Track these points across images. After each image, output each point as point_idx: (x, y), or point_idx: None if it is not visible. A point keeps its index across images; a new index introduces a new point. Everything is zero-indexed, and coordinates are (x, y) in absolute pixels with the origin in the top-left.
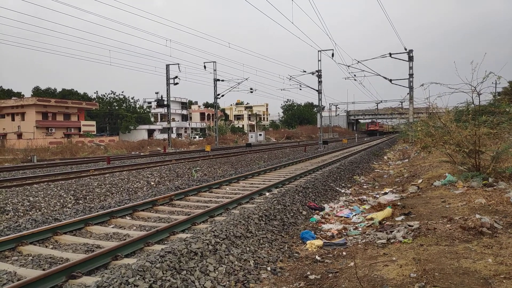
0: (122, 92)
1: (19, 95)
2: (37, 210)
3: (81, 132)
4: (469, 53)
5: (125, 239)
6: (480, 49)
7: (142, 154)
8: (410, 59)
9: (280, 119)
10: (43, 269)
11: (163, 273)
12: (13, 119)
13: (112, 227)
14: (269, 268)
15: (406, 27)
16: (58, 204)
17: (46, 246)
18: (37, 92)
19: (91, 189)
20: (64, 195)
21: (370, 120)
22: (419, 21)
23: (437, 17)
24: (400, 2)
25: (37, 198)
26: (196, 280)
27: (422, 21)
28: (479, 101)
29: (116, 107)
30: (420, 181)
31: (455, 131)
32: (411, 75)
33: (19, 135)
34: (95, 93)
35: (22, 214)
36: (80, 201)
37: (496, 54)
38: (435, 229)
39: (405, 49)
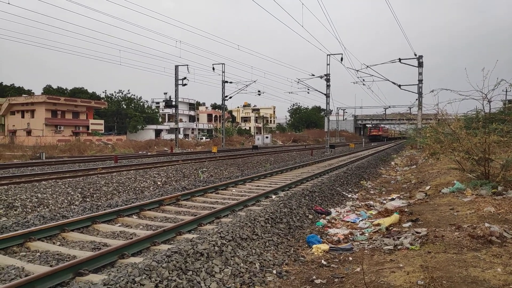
0: (128, 91)
1: (29, 93)
2: (45, 207)
3: (89, 131)
4: (474, 59)
5: (131, 238)
6: (484, 54)
7: (149, 153)
8: (420, 64)
9: (287, 122)
10: (51, 266)
11: (169, 273)
12: (22, 116)
13: (119, 226)
14: (274, 271)
15: (412, 31)
16: (66, 201)
17: (54, 243)
18: (48, 90)
19: (98, 187)
20: (72, 193)
21: (373, 125)
22: (424, 26)
23: (443, 22)
24: (405, 7)
25: (45, 195)
26: (202, 281)
27: (427, 26)
28: (490, 109)
29: (124, 107)
30: (428, 187)
31: (465, 138)
32: (420, 81)
33: (29, 132)
34: (103, 92)
35: (30, 210)
36: (88, 199)
37: (499, 60)
38: (443, 237)
39: (415, 55)
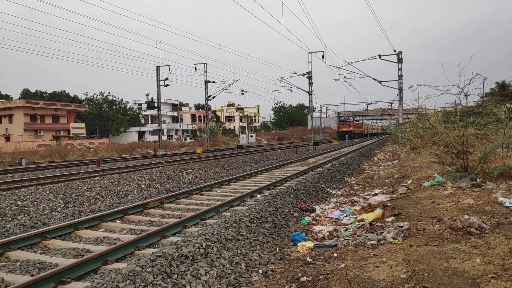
0: (109, 93)
1: (7, 97)
2: (26, 215)
3: (71, 135)
4: (465, 55)
5: (115, 243)
6: (474, 51)
7: (132, 156)
8: (399, 60)
9: (271, 120)
10: (32, 275)
11: (154, 278)
12: (0, 122)
13: (102, 231)
14: (260, 271)
15: (403, 29)
16: (47, 208)
17: (35, 251)
18: (26, 94)
19: (81, 192)
20: (53, 199)
21: (342, 118)
22: (416, 23)
23: (432, 19)
24: (395, 5)
25: (25, 202)
26: (187, 284)
27: (418, 23)
28: (467, 103)
29: (106, 109)
30: (409, 182)
31: (444, 132)
32: (400, 77)
33: (7, 138)
34: (84, 94)
35: (10, 218)
36: (70, 205)
37: (487, 56)
38: (425, 230)
39: (394, 51)
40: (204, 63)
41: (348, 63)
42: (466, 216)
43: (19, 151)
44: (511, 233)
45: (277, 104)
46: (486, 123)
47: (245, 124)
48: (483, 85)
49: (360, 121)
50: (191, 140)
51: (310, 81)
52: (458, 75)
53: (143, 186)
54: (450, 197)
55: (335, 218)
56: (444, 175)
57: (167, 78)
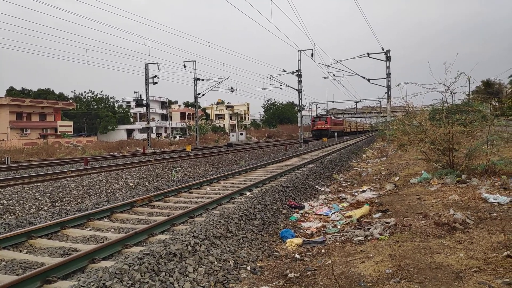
0: (101, 91)
1: None
2: (11, 214)
3: (58, 133)
4: (460, 53)
5: (102, 242)
6: (469, 49)
7: (121, 154)
8: (388, 59)
9: (261, 118)
10: (17, 275)
11: (141, 276)
12: None
13: (90, 230)
14: (249, 268)
15: (395, 28)
16: (34, 207)
17: (21, 251)
18: (11, 92)
19: (68, 191)
20: (40, 198)
21: (318, 115)
22: (408, 22)
23: (425, 18)
24: (386, 4)
25: (11, 201)
26: (175, 282)
27: (410, 22)
28: (453, 100)
29: (95, 107)
30: (397, 178)
31: (430, 129)
32: (388, 75)
33: None
34: (72, 91)
35: None
36: (57, 204)
37: (484, 53)
38: (411, 226)
39: (383, 49)
40: (194, 61)
41: (337, 61)
42: (451, 212)
43: (4, 150)
44: (494, 228)
45: (267, 102)
46: (471, 120)
47: (235, 122)
48: (469, 83)
49: (343, 118)
50: (180, 138)
51: (299, 79)
52: (444, 73)
53: (131, 184)
54: (436, 193)
55: (324, 215)
56: (430, 171)
57: (155, 76)
